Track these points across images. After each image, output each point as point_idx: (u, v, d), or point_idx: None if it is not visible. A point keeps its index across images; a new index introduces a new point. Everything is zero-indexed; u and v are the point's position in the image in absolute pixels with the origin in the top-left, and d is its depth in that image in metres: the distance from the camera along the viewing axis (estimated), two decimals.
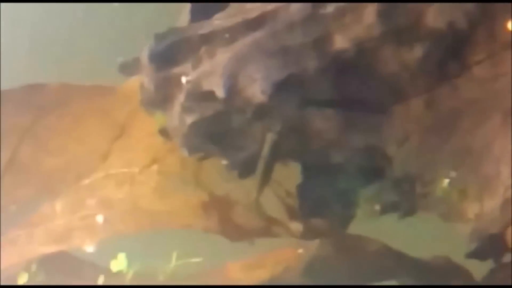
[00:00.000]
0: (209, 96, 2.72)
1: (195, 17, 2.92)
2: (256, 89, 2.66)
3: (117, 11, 3.68)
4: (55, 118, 3.33)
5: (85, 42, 3.70)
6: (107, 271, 2.91)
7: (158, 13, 3.45)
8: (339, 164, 2.80)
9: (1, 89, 3.33)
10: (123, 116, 3.28)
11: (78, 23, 3.74)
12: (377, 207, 2.82)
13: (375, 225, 2.86)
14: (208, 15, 2.89)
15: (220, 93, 2.68)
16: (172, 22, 2.98)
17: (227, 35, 2.76)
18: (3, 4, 3.74)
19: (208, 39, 2.79)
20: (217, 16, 2.86)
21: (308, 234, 2.93)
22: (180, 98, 2.78)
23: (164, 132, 2.93)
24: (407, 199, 2.78)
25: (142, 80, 2.88)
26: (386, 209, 2.82)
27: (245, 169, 2.84)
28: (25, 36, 3.79)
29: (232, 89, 2.69)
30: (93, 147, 3.26)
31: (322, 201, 2.88)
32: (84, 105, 3.36)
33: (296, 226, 2.93)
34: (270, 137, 2.76)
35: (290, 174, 2.94)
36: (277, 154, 2.82)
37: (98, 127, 3.31)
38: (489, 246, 2.64)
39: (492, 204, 2.63)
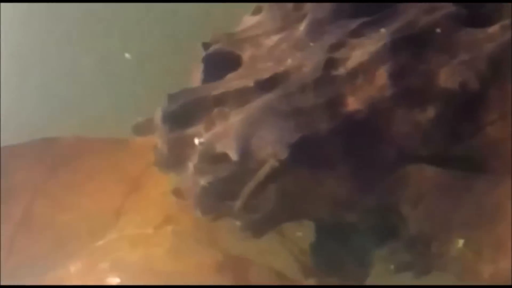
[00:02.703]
0: (223, 158, 2.73)
1: (208, 77, 2.93)
2: (269, 152, 2.67)
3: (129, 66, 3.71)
4: (68, 173, 3.34)
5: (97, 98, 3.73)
6: None
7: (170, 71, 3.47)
8: (352, 223, 2.80)
9: (13, 143, 3.34)
10: (137, 171, 3.29)
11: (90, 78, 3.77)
12: (392, 267, 2.81)
13: (390, 284, 2.85)
14: (221, 75, 2.90)
15: (233, 155, 2.69)
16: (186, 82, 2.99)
17: (239, 96, 2.78)
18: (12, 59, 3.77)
19: (221, 100, 2.80)
20: (229, 76, 2.87)
21: None
22: (193, 159, 2.79)
23: (177, 193, 2.93)
24: (422, 259, 2.77)
25: (156, 141, 2.90)
26: (401, 269, 2.81)
27: (258, 230, 2.84)
28: (36, 90, 3.81)
29: (245, 152, 2.70)
30: (106, 203, 3.27)
31: (336, 260, 2.88)
32: (97, 159, 3.37)
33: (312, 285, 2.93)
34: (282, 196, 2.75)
35: (305, 233, 2.94)
36: (290, 212, 2.81)
37: (111, 182, 3.32)
38: None
39: (507, 264, 2.62)
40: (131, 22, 3.73)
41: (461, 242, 2.68)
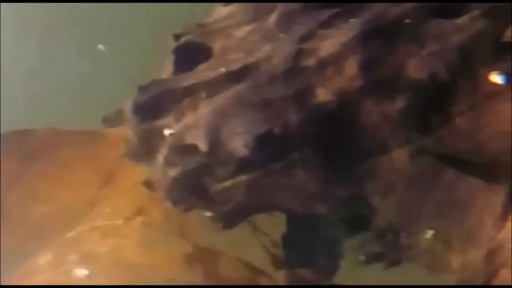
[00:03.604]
0: (192, 149, 2.73)
1: (178, 68, 2.92)
2: (239, 143, 2.66)
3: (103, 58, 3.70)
4: (43, 165, 3.33)
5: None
6: None
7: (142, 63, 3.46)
8: (323, 215, 2.80)
9: None
10: (112, 163, 3.28)
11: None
12: (362, 258, 2.81)
13: (361, 275, 2.85)
14: (192, 67, 2.89)
15: (202, 146, 2.69)
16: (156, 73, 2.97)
17: (209, 88, 2.77)
18: None
19: (191, 91, 2.79)
20: (200, 67, 2.86)
21: (294, 284, 2.91)
22: (163, 151, 2.78)
23: (148, 184, 2.93)
24: (392, 250, 2.77)
25: (126, 133, 2.89)
26: (371, 260, 2.81)
27: (229, 221, 2.84)
28: (10, 83, 3.80)
29: (214, 143, 2.69)
30: (81, 195, 3.26)
31: (307, 251, 2.88)
32: (72, 151, 3.35)
33: (282, 277, 2.92)
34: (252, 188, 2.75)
35: (276, 224, 2.94)
36: (260, 204, 2.81)
37: (86, 174, 3.31)
38: None
39: (476, 255, 2.62)
40: (106, 12, 3.71)
41: (430, 233, 2.68)
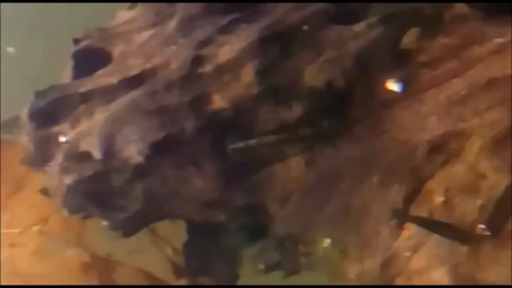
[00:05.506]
0: (87, 156, 2.68)
1: (78, 74, 2.86)
2: (133, 150, 2.62)
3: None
4: None
5: None
6: None
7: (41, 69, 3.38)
8: (222, 223, 2.76)
9: None
10: (21, 171, 3.22)
11: None
12: (262, 266, 2.78)
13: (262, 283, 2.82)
14: (91, 72, 2.84)
15: (96, 154, 2.64)
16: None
17: (106, 94, 2.72)
18: None
19: (87, 97, 2.75)
20: (98, 73, 2.82)
21: None
22: (59, 158, 2.73)
23: (45, 192, 2.87)
24: (290, 258, 2.74)
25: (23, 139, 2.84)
26: (270, 268, 2.78)
27: (128, 229, 2.79)
28: None
29: (109, 150, 2.65)
30: None
31: (207, 260, 2.85)
32: None
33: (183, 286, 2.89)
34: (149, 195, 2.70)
35: (178, 232, 2.90)
36: (158, 212, 2.77)
37: None
38: None
39: (372, 264, 2.60)
40: (17, 15, 3.63)
41: (327, 241, 2.65)
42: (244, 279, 2.83)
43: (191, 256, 2.87)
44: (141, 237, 2.85)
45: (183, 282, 2.87)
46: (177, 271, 2.91)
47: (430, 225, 2.52)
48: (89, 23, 3.02)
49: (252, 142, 2.64)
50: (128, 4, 3.01)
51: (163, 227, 2.90)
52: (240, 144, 2.65)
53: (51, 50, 3.51)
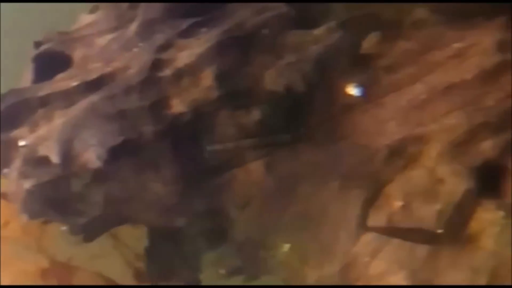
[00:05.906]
0: (46, 161, 2.66)
1: (38, 78, 2.85)
2: (92, 155, 2.61)
3: None
4: None
5: None
6: None
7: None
8: (182, 227, 2.75)
9: None
10: None
11: None
12: (222, 271, 2.77)
13: None
14: (52, 76, 2.82)
15: (54, 158, 2.63)
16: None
17: (65, 98, 2.71)
18: None
19: (46, 101, 2.73)
20: (58, 76, 2.80)
21: None
22: (18, 162, 2.71)
23: (5, 196, 2.85)
24: (251, 263, 2.73)
25: None
26: (231, 273, 2.77)
27: (88, 234, 2.78)
28: None
29: (67, 155, 2.63)
30: None
31: (168, 264, 2.83)
32: None
33: None
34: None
35: (140, 237, 2.88)
36: (118, 217, 2.75)
37: None
38: None
39: (331, 269, 2.59)
40: None
41: (287, 246, 2.65)
42: (207, 283, 2.82)
43: (152, 261, 2.85)
44: (103, 242, 2.83)
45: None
46: (138, 276, 2.89)
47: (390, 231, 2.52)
48: (54, 26, 3.01)
49: (230, 145, 2.63)
50: (91, 7, 2.99)
51: (125, 231, 2.88)
52: (218, 146, 2.63)
53: (12, 53, 3.49)
